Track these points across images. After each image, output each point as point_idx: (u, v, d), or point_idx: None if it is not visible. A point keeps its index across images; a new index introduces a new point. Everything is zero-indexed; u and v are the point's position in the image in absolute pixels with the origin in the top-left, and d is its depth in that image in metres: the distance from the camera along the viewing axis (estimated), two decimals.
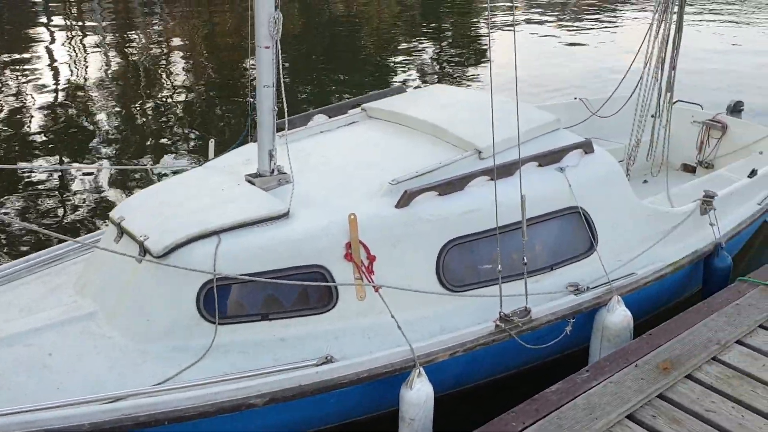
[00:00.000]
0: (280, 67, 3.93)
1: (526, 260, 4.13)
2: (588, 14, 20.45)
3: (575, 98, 7.78)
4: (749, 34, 17.35)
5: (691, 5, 21.22)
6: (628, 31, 17.36)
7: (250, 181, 4.19)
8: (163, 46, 15.89)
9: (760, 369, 3.97)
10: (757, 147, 7.14)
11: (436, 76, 13.29)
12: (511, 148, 4.42)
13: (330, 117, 5.24)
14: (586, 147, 4.82)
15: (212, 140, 4.86)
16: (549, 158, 4.65)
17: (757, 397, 3.74)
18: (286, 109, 3.97)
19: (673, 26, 5.98)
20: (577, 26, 18.58)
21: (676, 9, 5.89)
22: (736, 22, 18.90)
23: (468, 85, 12.45)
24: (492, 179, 4.21)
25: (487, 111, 4.03)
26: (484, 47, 16.05)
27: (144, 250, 3.77)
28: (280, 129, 4.26)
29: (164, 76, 13.18)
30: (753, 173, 5.85)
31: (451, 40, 16.96)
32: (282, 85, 3.96)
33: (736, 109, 7.61)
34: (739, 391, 3.79)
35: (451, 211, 4.14)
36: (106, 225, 4.34)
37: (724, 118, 7.46)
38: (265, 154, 4.13)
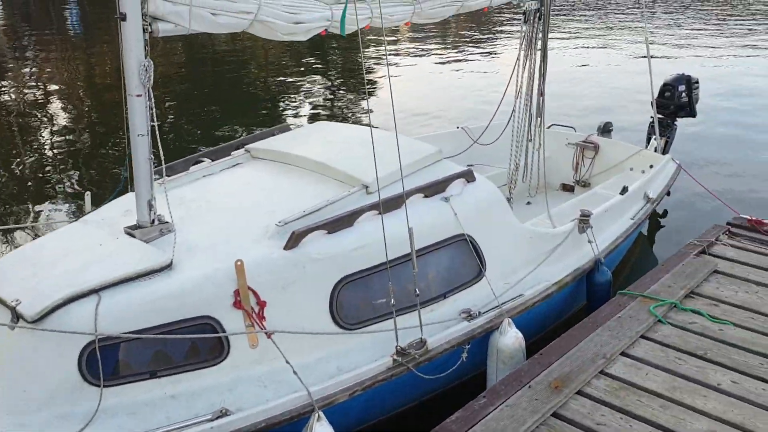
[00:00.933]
0: (155, 114, 3.81)
1: (418, 291, 4.18)
2: (466, 45, 21.28)
3: (457, 127, 8.03)
4: (613, 56, 18.59)
5: (556, 28, 22.55)
6: (504, 59, 18.21)
7: (129, 234, 4.02)
8: (38, 90, 15.13)
9: (644, 378, 4.18)
10: (628, 164, 7.61)
11: (325, 111, 13.36)
12: (397, 181, 4.50)
13: (213, 160, 5.14)
14: (468, 176, 4.96)
15: (88, 192, 4.65)
16: (433, 189, 4.75)
17: (642, 406, 3.93)
18: (163, 156, 3.86)
19: (538, 56, 6.31)
20: (456, 57, 19.27)
21: (540, 41, 6.22)
22: (601, 46, 20.21)
23: (357, 119, 12.59)
24: (381, 213, 4.25)
25: (371, 146, 4.08)
26: (372, 80, 16.34)
27: (17, 316, 3.53)
28: (162, 175, 4.14)
29: (38, 122, 12.50)
30: (624, 190, 6.22)
31: (338, 73, 17.15)
32: (157, 132, 3.84)
33: (605, 129, 8.09)
34: (625, 402, 3.97)
35: (341, 248, 4.14)
36: None
37: (596, 138, 7.91)
38: (143, 205, 3.98)
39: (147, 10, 3.60)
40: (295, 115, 12.97)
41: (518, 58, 6.36)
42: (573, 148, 7.97)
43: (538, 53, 6.24)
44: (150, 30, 3.67)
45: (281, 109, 13.55)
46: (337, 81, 16.23)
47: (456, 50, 20.23)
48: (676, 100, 7.78)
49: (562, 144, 8.07)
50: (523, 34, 6.25)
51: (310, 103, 13.88)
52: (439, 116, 12.44)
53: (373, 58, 18.57)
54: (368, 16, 4.78)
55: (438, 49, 20.48)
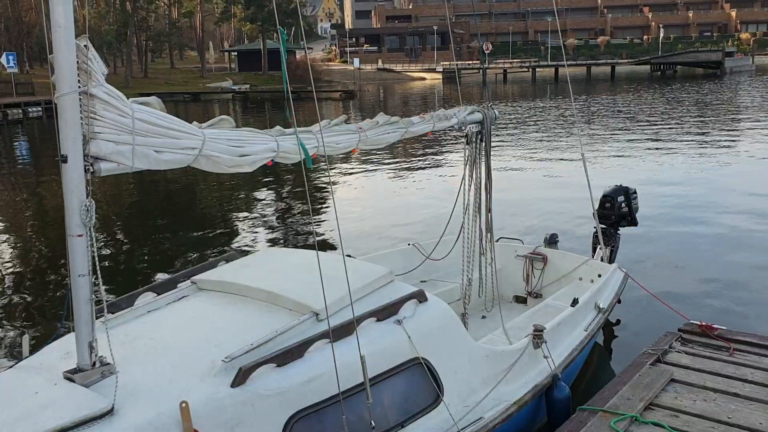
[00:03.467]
0: (96, 253, 3.73)
1: (373, 423, 4.03)
2: (413, 161, 21.95)
3: (409, 244, 8.10)
4: (551, 168, 19.35)
5: (495, 141, 23.49)
6: (451, 173, 18.77)
7: (69, 378, 3.82)
8: None
9: None
10: (577, 274, 7.73)
11: (278, 234, 13.36)
12: (348, 306, 4.43)
13: (159, 293, 5.01)
14: (420, 296, 4.94)
15: (26, 336, 4.45)
16: (386, 312, 4.69)
17: None
18: (104, 296, 3.75)
19: (483, 174, 6.50)
20: (404, 173, 19.80)
21: (483, 161, 6.43)
22: (539, 159, 21.06)
23: (309, 242, 12.57)
24: (333, 341, 4.15)
25: (323, 271, 4.05)
26: (322, 198, 16.56)
27: None
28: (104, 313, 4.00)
29: None
30: (575, 302, 6.27)
31: (290, 196, 17.34)
32: (99, 270, 3.75)
33: (552, 240, 8.27)
34: None
35: (291, 382, 4.00)
36: None
37: (543, 250, 8.07)
38: (84, 347, 3.81)
39: (89, 151, 3.60)
40: (248, 239, 12.93)
41: (464, 177, 6.54)
42: (522, 261, 8.09)
43: (483, 171, 6.44)
44: (92, 170, 3.65)
45: (233, 233, 13.51)
46: (289, 203, 16.39)
47: (403, 166, 20.81)
48: (616, 211, 8.05)
49: (512, 256, 8.19)
50: (467, 154, 6.46)
51: (262, 227, 13.89)
52: (390, 233, 12.57)
53: (321, 181, 18.91)
54: (315, 146, 4.88)
55: (386, 166, 21.03)
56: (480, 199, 6.56)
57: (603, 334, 7.74)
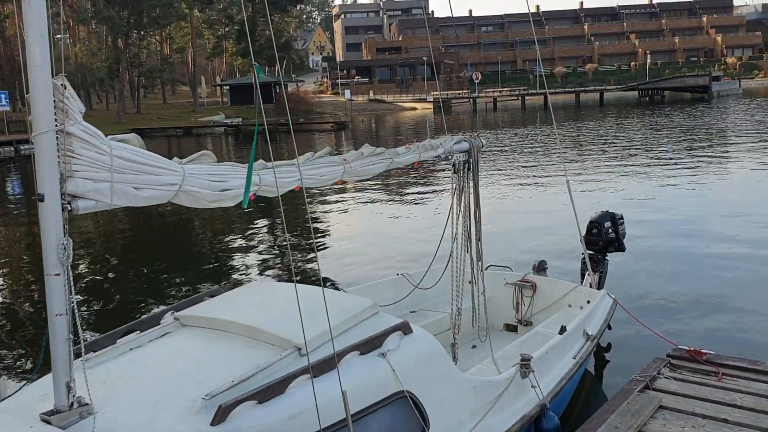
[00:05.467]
0: (74, 292, 3.69)
1: None
2: (404, 191, 21.99)
3: (397, 274, 8.07)
4: (538, 194, 19.41)
5: (482, 169, 23.56)
6: (439, 201, 18.79)
7: (46, 420, 3.75)
8: None
9: None
10: (566, 300, 7.70)
11: (264, 268, 13.30)
12: (330, 340, 4.39)
13: (142, 331, 4.96)
14: (404, 328, 4.89)
15: (3, 377, 4.38)
16: (369, 345, 4.65)
17: None
18: (82, 334, 3.71)
19: (472, 202, 6.49)
20: (394, 204, 19.82)
21: (471, 190, 6.43)
22: (526, 185, 21.14)
23: (302, 274, 12.50)
24: (315, 376, 4.11)
25: (306, 305, 4.03)
26: (318, 228, 16.54)
27: None
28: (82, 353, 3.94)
29: None
30: (563, 330, 6.24)
31: (277, 228, 17.31)
32: (76, 309, 3.71)
33: (540, 267, 8.25)
34: None
35: (272, 419, 3.94)
36: None
37: (532, 277, 8.04)
38: (61, 388, 3.75)
39: (66, 190, 3.59)
40: (233, 273, 12.86)
41: (452, 206, 6.52)
42: (511, 288, 8.06)
43: (472, 200, 6.42)
44: (70, 209, 3.63)
45: (218, 267, 13.45)
46: (274, 236, 16.34)
47: (391, 196, 20.84)
48: (604, 237, 8.06)
49: (501, 284, 8.16)
50: (454, 183, 6.46)
51: (247, 260, 13.81)
52: (378, 263, 12.53)
53: (308, 213, 18.90)
54: (297, 178, 4.87)
55: (374, 196, 21.06)
56: (469, 228, 6.54)
57: (593, 361, 7.69)
